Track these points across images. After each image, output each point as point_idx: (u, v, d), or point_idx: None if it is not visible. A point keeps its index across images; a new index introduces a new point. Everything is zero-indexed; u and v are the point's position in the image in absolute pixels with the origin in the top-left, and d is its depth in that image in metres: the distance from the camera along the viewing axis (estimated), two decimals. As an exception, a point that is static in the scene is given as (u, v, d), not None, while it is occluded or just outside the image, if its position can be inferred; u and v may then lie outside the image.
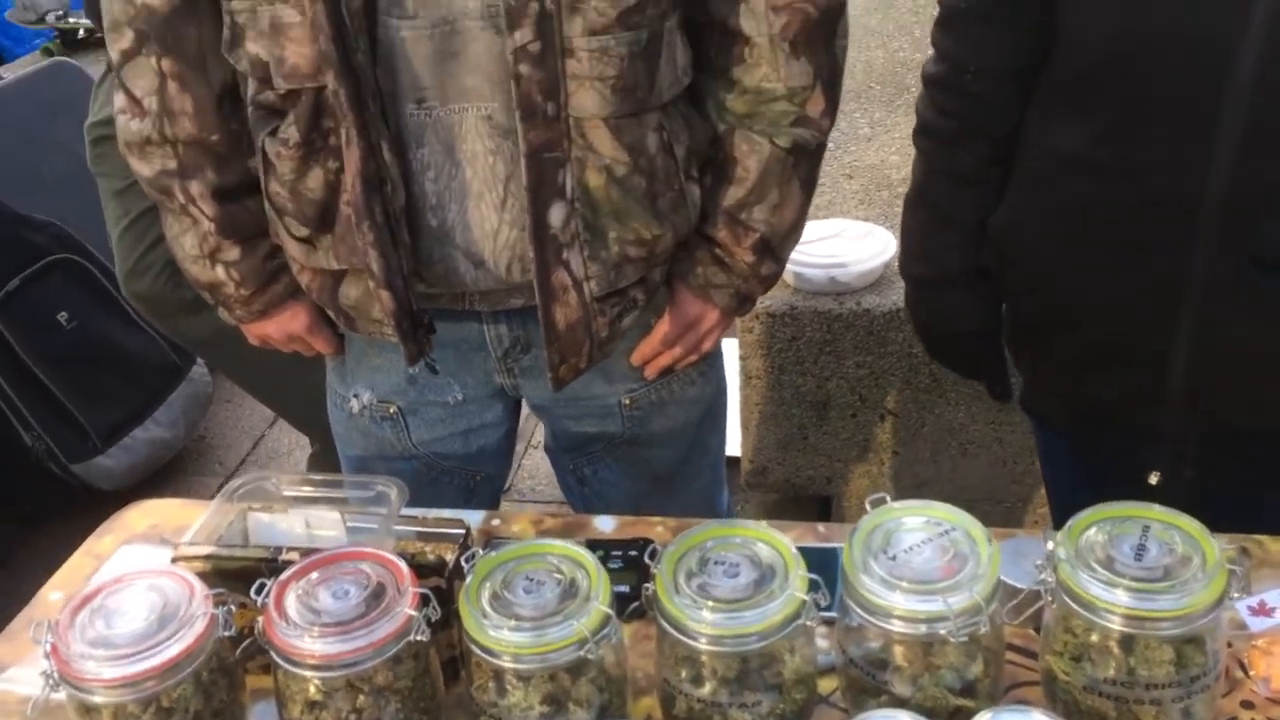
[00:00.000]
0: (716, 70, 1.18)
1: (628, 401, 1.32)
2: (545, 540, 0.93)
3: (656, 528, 1.16)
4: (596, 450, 1.37)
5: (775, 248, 1.25)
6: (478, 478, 1.38)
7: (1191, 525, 0.84)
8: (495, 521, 1.19)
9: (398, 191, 1.08)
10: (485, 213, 1.11)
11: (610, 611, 0.85)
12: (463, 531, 1.01)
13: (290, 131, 1.09)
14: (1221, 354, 1.11)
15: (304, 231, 1.15)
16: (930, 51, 1.26)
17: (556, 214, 1.09)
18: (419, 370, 1.26)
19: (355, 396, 1.32)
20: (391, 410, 1.31)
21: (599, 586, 0.86)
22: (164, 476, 2.75)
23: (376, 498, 1.05)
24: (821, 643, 0.94)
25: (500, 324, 1.24)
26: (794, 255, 2.16)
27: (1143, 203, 1.08)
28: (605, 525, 1.18)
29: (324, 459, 2.34)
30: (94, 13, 1.57)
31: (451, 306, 1.21)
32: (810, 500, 2.52)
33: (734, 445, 2.58)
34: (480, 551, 0.90)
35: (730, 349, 2.87)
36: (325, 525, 1.04)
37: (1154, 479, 1.20)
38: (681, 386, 1.35)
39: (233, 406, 3.06)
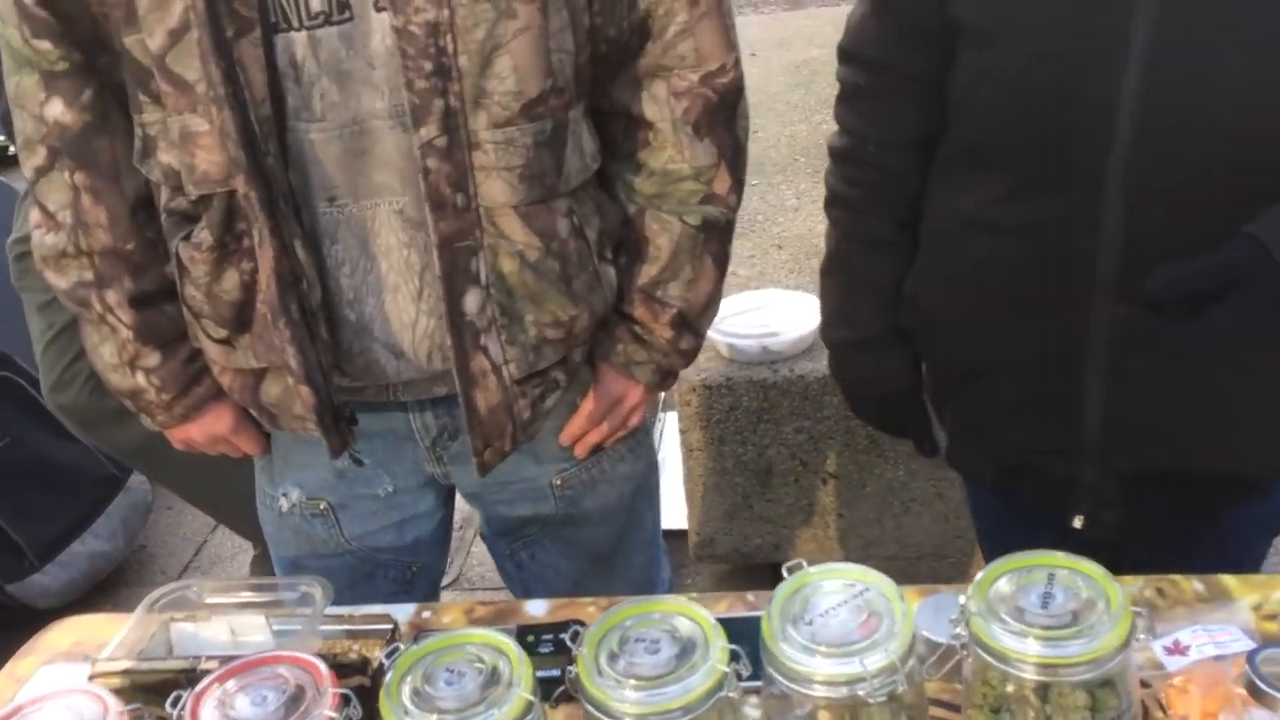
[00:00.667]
0: (623, 155, 1.22)
1: (559, 482, 1.33)
2: (467, 630, 0.93)
3: (588, 608, 1.16)
4: (531, 533, 1.38)
5: (692, 322, 1.27)
6: (414, 569, 1.38)
7: (1094, 570, 0.86)
8: (426, 614, 1.18)
9: (314, 288, 1.10)
10: (403, 304, 1.13)
11: (532, 698, 0.85)
12: (390, 627, 1.01)
13: (203, 235, 1.10)
14: (1133, 400, 1.13)
15: (222, 333, 1.15)
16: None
17: (472, 301, 1.11)
18: (346, 464, 1.26)
19: (284, 495, 1.31)
20: (321, 506, 1.31)
21: (521, 673, 0.86)
22: (104, 590, 2.69)
23: (301, 598, 1.05)
24: (754, 712, 0.94)
25: (426, 413, 1.25)
26: (727, 327, 2.21)
27: (1042, 258, 1.11)
28: (537, 609, 1.18)
29: (267, 561, 2.31)
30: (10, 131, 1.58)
31: (376, 399, 1.22)
32: (761, 568, 2.52)
33: (680, 518, 2.59)
34: (402, 646, 0.90)
35: (670, 422, 2.90)
36: (250, 631, 1.03)
37: (1078, 523, 1.22)
38: (612, 463, 1.36)
39: (174, 513, 3.01)
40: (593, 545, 1.39)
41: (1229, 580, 1.04)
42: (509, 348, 1.14)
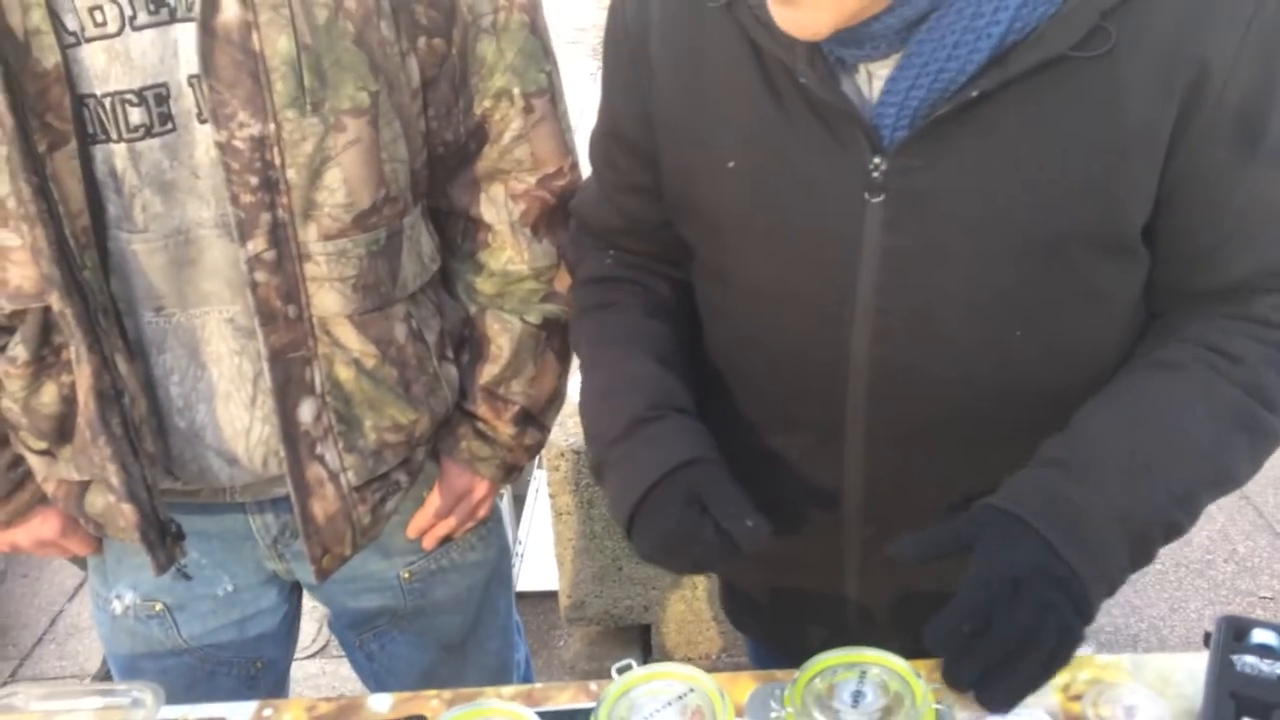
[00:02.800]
0: (463, 254, 1.24)
1: (406, 575, 1.33)
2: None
3: (431, 702, 1.16)
4: (381, 625, 1.37)
5: (537, 417, 1.29)
6: (258, 664, 1.36)
7: (902, 666, 0.91)
8: (267, 712, 1.16)
9: (138, 400, 1.08)
10: (235, 412, 1.12)
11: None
12: (225, 733, 0.99)
13: (18, 350, 1.08)
14: (885, 599, 1.13)
15: (42, 445, 1.13)
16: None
17: (307, 410, 1.11)
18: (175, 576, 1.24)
19: (118, 597, 1.28)
20: (157, 608, 1.28)
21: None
22: (-49, 665, 2.58)
23: (132, 704, 1.02)
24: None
25: (266, 513, 1.24)
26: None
27: (796, 481, 1.09)
28: (381, 705, 1.17)
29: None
30: None
31: (213, 500, 1.20)
32: (632, 629, 2.54)
33: (551, 580, 2.60)
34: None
35: (539, 486, 2.91)
36: (77, 742, 1.00)
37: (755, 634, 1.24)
38: (462, 553, 1.37)
39: (29, 581, 2.90)
40: (444, 635, 1.39)
41: (1038, 661, 1.09)
42: (347, 455, 1.14)
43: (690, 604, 2.48)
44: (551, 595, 2.65)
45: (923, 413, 0.98)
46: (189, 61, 1.00)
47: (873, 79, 0.92)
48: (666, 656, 2.49)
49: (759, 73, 0.95)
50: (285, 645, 1.41)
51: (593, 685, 1.20)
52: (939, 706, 0.88)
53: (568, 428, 2.27)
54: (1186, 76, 0.86)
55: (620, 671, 0.95)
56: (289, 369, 1.08)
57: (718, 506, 0.93)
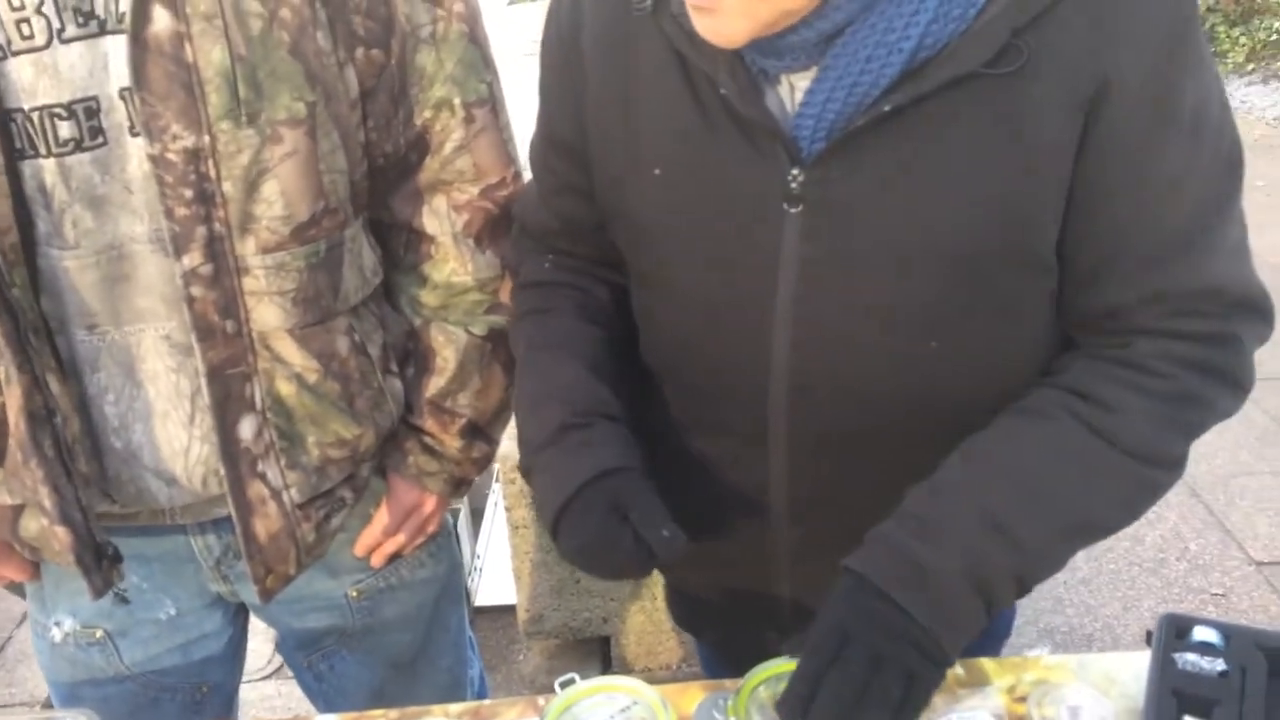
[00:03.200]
0: (406, 267, 1.23)
1: (354, 593, 1.31)
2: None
3: (379, 721, 1.15)
4: (329, 645, 1.35)
5: (484, 429, 1.28)
6: (204, 689, 1.33)
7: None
8: (210, 737, 1.15)
9: (70, 420, 1.06)
10: (173, 431, 1.10)
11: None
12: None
13: None
14: (816, 593, 1.08)
15: None
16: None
17: (247, 427, 1.09)
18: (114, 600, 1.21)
19: (56, 625, 1.25)
20: (98, 635, 1.25)
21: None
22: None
23: (67, 733, 1.00)
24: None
25: (208, 534, 1.21)
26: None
27: (723, 484, 1.10)
28: (322, 728, 1.16)
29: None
30: None
31: (152, 522, 1.18)
32: (591, 641, 2.53)
33: (509, 594, 2.58)
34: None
35: (498, 500, 2.90)
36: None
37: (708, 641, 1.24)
38: (411, 569, 1.35)
39: (-25, 607, 2.85)
40: (394, 653, 1.37)
41: (987, 663, 1.10)
42: (289, 472, 1.12)
43: (650, 615, 2.47)
44: (511, 609, 2.63)
45: (841, 419, 0.99)
46: (120, 74, 0.98)
47: (795, 90, 0.92)
48: (626, 668, 2.48)
49: (684, 81, 0.96)
50: (232, 668, 1.39)
51: (541, 700, 1.19)
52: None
53: (523, 440, 2.26)
54: (1090, 92, 0.87)
55: (563, 686, 0.94)
56: (228, 385, 1.07)
57: (637, 515, 0.94)
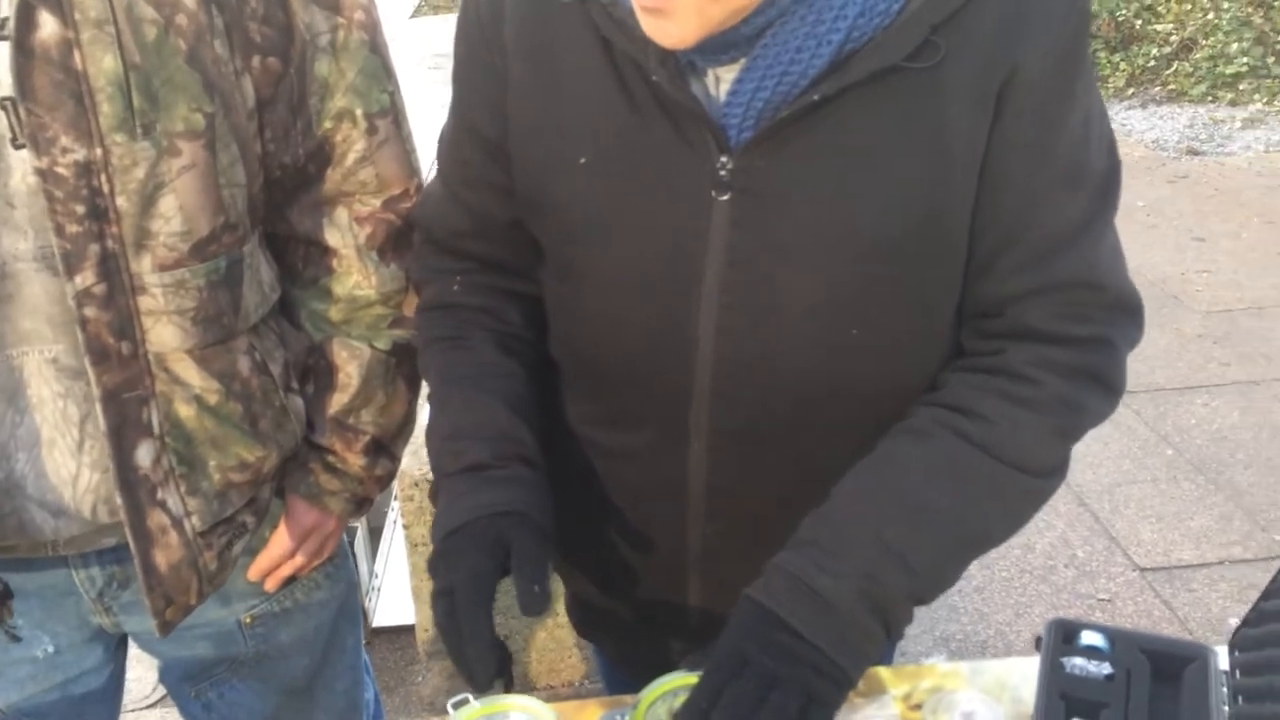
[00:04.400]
0: (305, 281, 1.20)
1: (248, 619, 1.28)
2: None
3: (275, 750, 1.12)
4: (219, 673, 1.31)
5: (388, 446, 1.26)
6: None
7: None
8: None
9: None
10: (60, 459, 1.05)
11: None
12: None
13: None
14: (725, 597, 1.08)
15: None
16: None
17: (145, 453, 1.05)
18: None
19: None
20: None
21: None
22: None
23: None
24: None
25: (91, 566, 1.16)
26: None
27: (639, 481, 1.10)
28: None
29: None
30: None
31: (31, 554, 1.12)
32: (494, 660, 2.51)
33: (407, 614, 2.55)
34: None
35: (396, 518, 2.85)
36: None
37: (607, 650, 1.25)
38: (307, 592, 1.32)
39: None
40: (289, 679, 1.34)
41: (884, 672, 1.12)
42: (190, 498, 1.09)
43: (552, 632, 2.46)
44: (409, 630, 2.60)
45: (763, 408, 1.01)
46: (1, 83, 0.94)
47: (720, 81, 0.94)
48: (529, 685, 2.47)
49: (611, 69, 0.96)
50: (112, 704, 1.33)
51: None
52: None
53: (422, 456, 2.24)
54: (999, 82, 0.91)
55: (456, 707, 0.93)
56: (124, 410, 1.03)
57: (517, 561, 0.92)
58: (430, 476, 2.21)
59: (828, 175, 0.93)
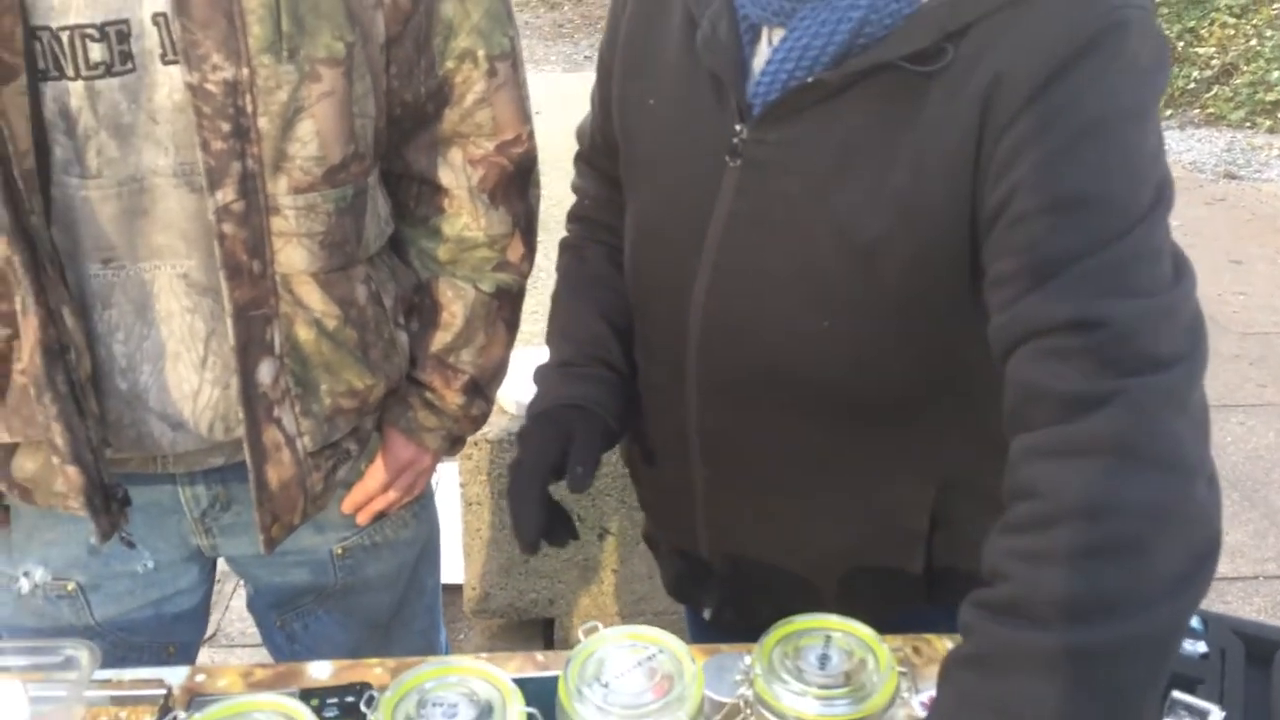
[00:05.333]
0: (417, 220, 1.22)
1: (340, 550, 1.30)
2: (253, 696, 0.89)
3: (375, 669, 1.13)
4: (306, 603, 1.33)
5: (484, 388, 1.28)
6: (171, 649, 1.29)
7: (865, 632, 0.94)
8: (200, 678, 1.12)
9: (83, 358, 1.02)
10: (184, 373, 1.07)
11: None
12: (163, 692, 0.95)
13: None
14: (725, 538, 1.17)
15: None
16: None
17: (266, 371, 1.07)
18: (112, 544, 1.16)
19: (25, 575, 1.20)
20: (69, 587, 1.20)
21: (314, 747, 0.84)
22: None
23: (65, 662, 0.97)
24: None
25: (197, 484, 1.18)
26: (511, 382, 2.22)
27: (655, 412, 1.17)
28: (321, 672, 1.14)
29: None
30: None
31: (141, 470, 1.14)
32: (534, 623, 2.53)
33: (457, 573, 2.57)
34: (182, 714, 0.85)
35: (450, 475, 2.87)
36: (4, 700, 0.95)
37: (706, 615, 1.27)
38: (395, 529, 1.34)
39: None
40: (372, 613, 1.36)
41: (952, 642, 1.13)
42: (303, 419, 1.11)
43: (595, 598, 2.48)
44: (451, 589, 2.61)
45: (743, 371, 1.04)
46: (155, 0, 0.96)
47: (771, 46, 0.96)
48: (568, 646, 2.48)
49: (689, 21, 1.01)
50: (198, 629, 1.35)
51: (539, 656, 1.20)
52: (902, 670, 0.91)
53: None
54: (985, 89, 0.86)
55: (587, 634, 0.95)
56: (250, 327, 1.04)
57: (574, 447, 1.07)
58: (489, 437, 2.25)
59: (822, 162, 0.94)
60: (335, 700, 1.04)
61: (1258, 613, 2.74)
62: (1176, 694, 1.00)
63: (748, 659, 0.93)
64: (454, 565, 2.56)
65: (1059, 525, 0.79)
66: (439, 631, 1.51)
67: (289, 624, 1.36)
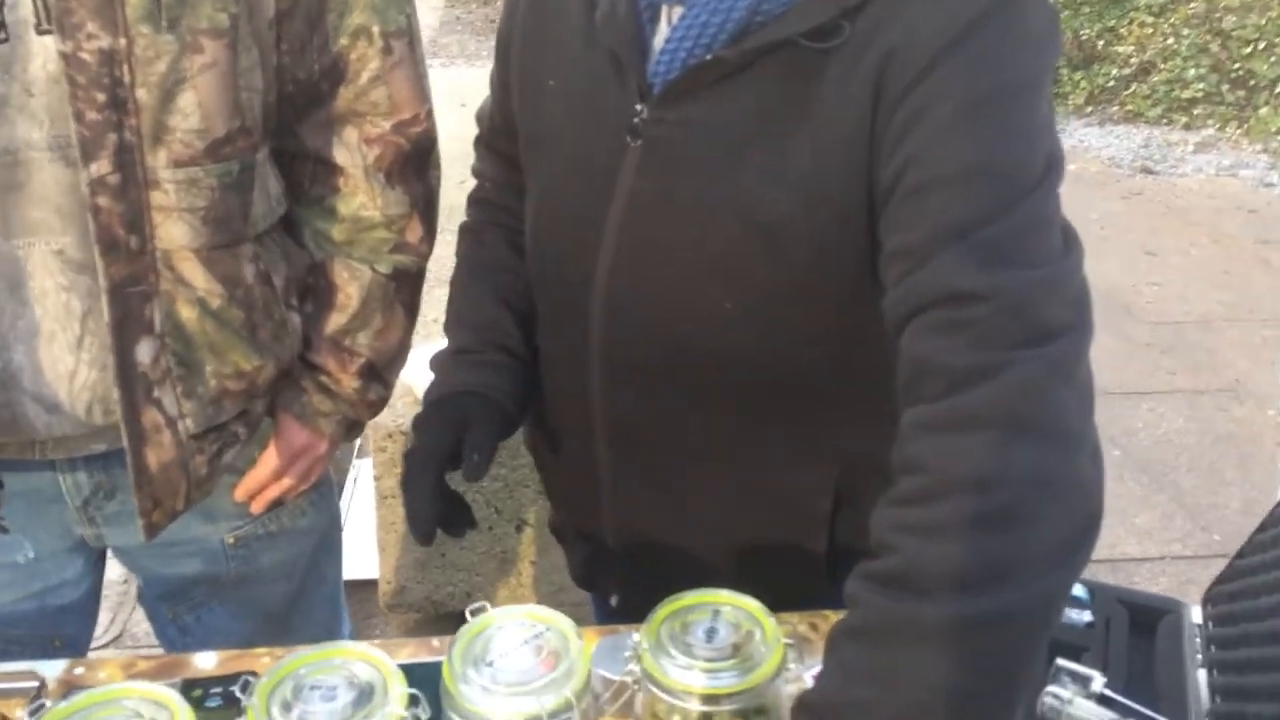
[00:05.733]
0: (311, 199, 1.20)
1: (232, 540, 1.27)
2: (126, 684, 0.87)
3: (262, 659, 1.11)
4: (198, 595, 1.30)
5: (382, 372, 1.26)
6: (57, 643, 1.25)
7: (753, 605, 0.94)
8: (79, 670, 1.09)
9: None
10: (59, 353, 1.04)
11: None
12: (35, 684, 0.92)
13: None
14: (632, 520, 1.16)
15: None
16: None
17: (145, 350, 1.04)
18: None
19: None
20: None
21: (186, 734, 0.82)
22: None
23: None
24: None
25: (78, 471, 1.15)
26: (426, 372, 2.20)
27: (557, 391, 1.15)
28: (206, 662, 1.12)
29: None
30: None
31: (18, 456, 1.11)
32: (452, 617, 2.51)
33: (372, 568, 2.54)
34: (48, 704, 0.83)
35: (365, 469, 2.84)
36: None
37: (613, 602, 1.27)
38: (292, 518, 1.31)
39: None
40: (268, 604, 1.33)
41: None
42: (185, 401, 1.08)
43: (513, 590, 2.46)
44: (368, 584, 2.58)
45: (646, 352, 1.03)
46: None
47: (671, 22, 0.96)
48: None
49: (587, 1, 1.01)
50: (87, 623, 1.32)
51: (435, 641, 1.18)
52: (788, 642, 0.91)
53: (396, 409, 2.23)
54: (879, 66, 0.87)
55: (474, 613, 0.94)
56: (128, 304, 1.02)
57: (469, 435, 1.06)
58: (403, 428, 2.23)
59: (723, 142, 0.93)
60: (219, 690, 1.01)
61: (1164, 592, 2.81)
62: (1061, 661, 1.01)
63: (637, 636, 0.92)
64: (370, 560, 2.53)
65: (946, 498, 0.79)
66: (342, 624, 1.49)
67: (180, 616, 1.33)
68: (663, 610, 0.94)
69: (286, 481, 1.26)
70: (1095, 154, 6.62)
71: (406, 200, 1.20)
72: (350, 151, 1.17)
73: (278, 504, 1.28)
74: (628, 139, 0.98)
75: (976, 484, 0.78)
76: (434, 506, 1.04)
